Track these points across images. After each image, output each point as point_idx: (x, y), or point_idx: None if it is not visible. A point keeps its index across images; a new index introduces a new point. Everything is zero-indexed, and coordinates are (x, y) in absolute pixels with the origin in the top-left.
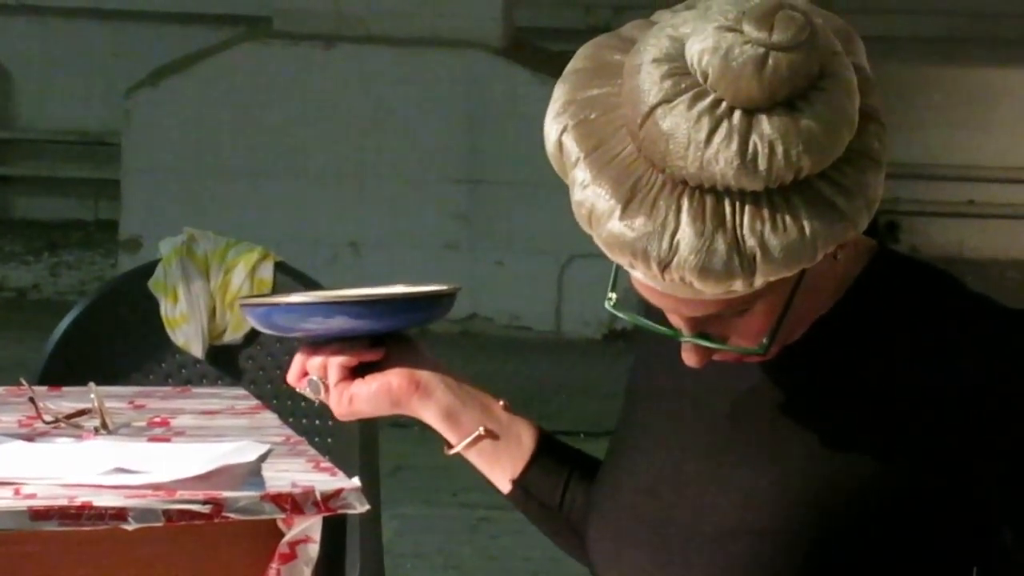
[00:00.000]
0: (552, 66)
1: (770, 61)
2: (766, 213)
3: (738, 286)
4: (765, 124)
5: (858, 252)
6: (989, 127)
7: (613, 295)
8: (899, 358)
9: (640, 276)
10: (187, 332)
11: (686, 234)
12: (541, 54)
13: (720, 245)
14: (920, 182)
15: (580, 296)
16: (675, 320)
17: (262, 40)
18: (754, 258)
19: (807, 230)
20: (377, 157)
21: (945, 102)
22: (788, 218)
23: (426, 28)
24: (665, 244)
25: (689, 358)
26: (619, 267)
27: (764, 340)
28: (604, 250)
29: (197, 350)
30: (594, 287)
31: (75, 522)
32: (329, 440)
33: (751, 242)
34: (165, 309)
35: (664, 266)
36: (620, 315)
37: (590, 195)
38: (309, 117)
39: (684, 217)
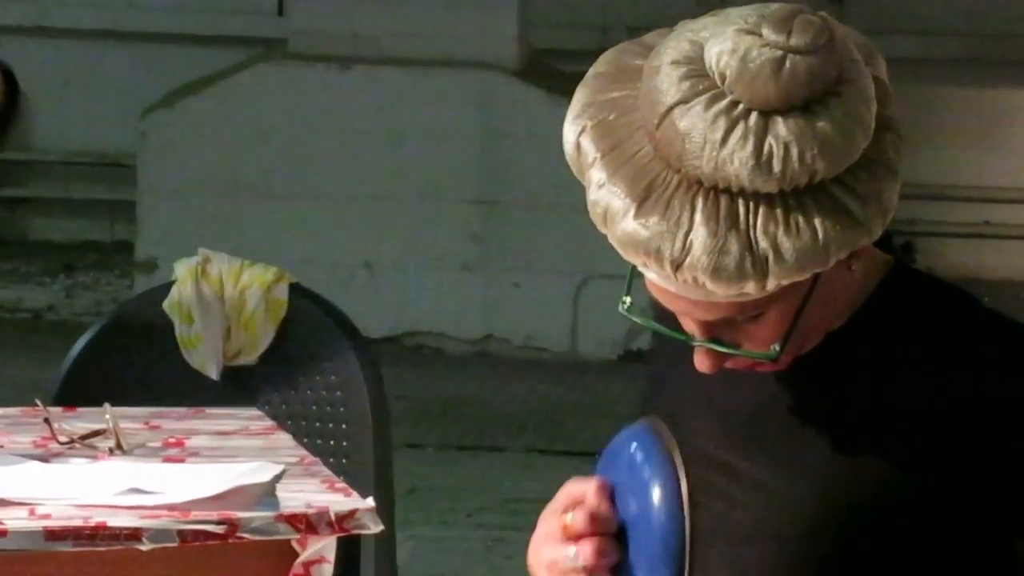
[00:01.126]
0: (568, 87)
1: (787, 64)
2: (780, 215)
3: (750, 288)
4: (781, 126)
5: (875, 266)
6: (1004, 147)
7: (628, 299)
8: (914, 372)
9: (653, 276)
10: (202, 353)
11: (700, 234)
12: (557, 75)
13: (733, 246)
14: (935, 203)
15: (596, 317)
16: (688, 325)
17: (278, 61)
18: (767, 260)
19: (820, 234)
20: (392, 178)
21: (960, 122)
22: (801, 221)
23: (442, 49)
24: (679, 244)
25: (701, 363)
26: (633, 272)
27: (775, 346)
28: (618, 249)
29: (212, 371)
30: (610, 307)
31: (90, 542)
32: (344, 461)
33: (764, 244)
34: (180, 330)
35: (677, 266)
36: (634, 319)
37: (605, 194)
38: (325, 138)
39: (698, 217)
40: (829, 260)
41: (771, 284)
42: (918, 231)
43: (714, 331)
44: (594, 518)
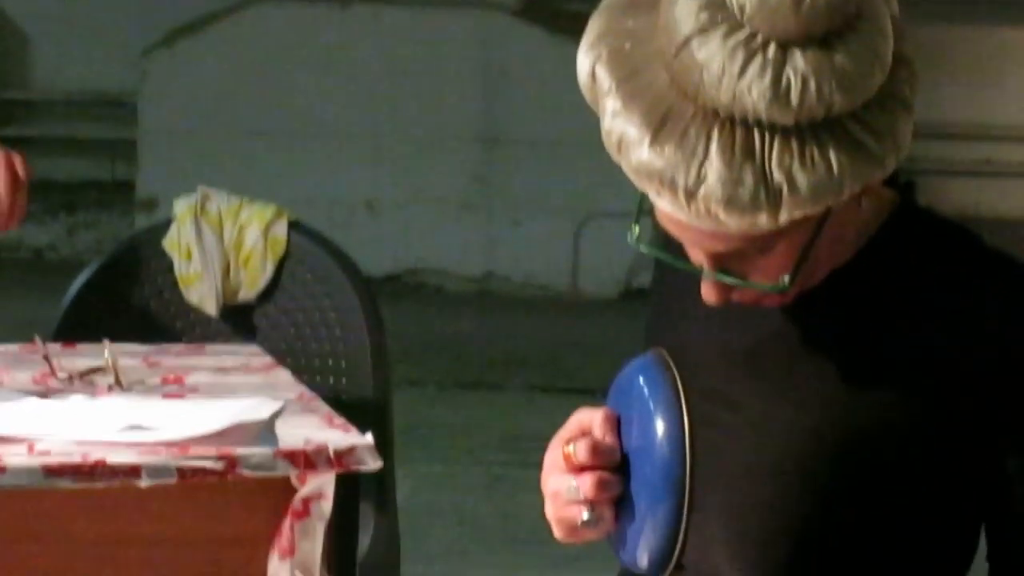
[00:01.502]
0: (569, 26)
1: None
2: (795, 148)
3: (763, 220)
4: (799, 59)
5: (880, 203)
6: (1006, 86)
7: (636, 229)
8: (916, 309)
9: (666, 206)
10: (201, 290)
11: (715, 165)
12: (558, 14)
13: (748, 177)
14: (937, 141)
15: (596, 255)
16: (697, 256)
17: (278, 1)
18: (780, 192)
19: (835, 168)
20: (393, 117)
21: (962, 61)
22: (816, 154)
23: None
24: (693, 174)
25: (709, 295)
26: (642, 203)
27: (785, 279)
28: (632, 178)
29: (211, 308)
30: (611, 246)
31: (88, 479)
32: (343, 397)
33: (778, 176)
34: (179, 267)
35: (691, 195)
36: (642, 249)
37: (620, 123)
38: (325, 77)
39: (714, 148)
40: (843, 194)
41: (784, 217)
42: (920, 169)
43: (723, 263)
44: (596, 450)
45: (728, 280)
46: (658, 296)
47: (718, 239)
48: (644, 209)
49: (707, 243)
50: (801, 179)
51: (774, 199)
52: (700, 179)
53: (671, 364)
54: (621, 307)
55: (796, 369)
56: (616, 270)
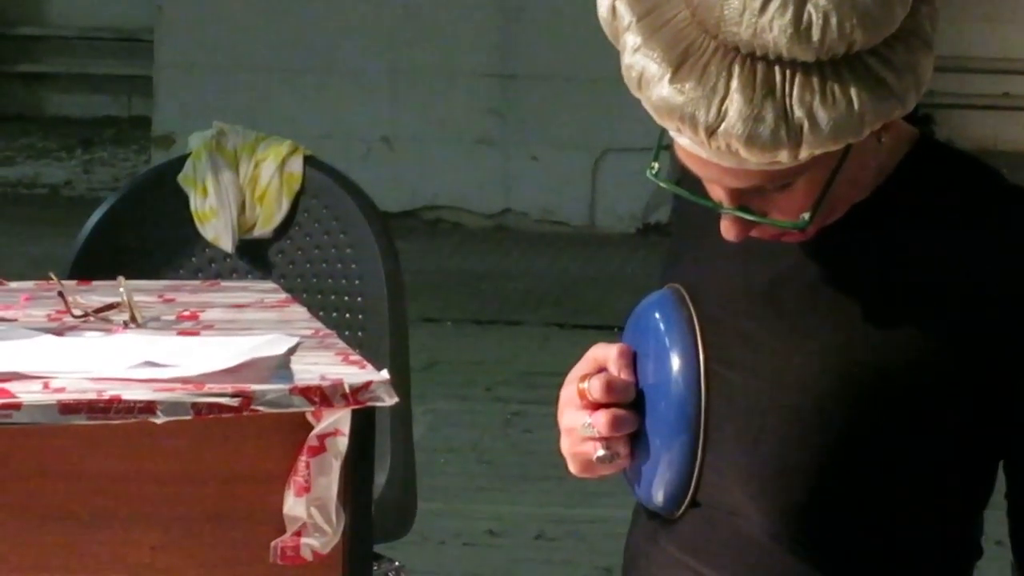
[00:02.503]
0: None
1: None
2: (816, 84)
3: (783, 157)
4: None
5: (900, 139)
6: None
7: (655, 165)
8: (936, 243)
9: (686, 142)
10: (216, 226)
11: (735, 101)
12: None
13: (768, 114)
14: (955, 75)
15: (614, 190)
16: (716, 192)
17: None
18: (801, 129)
19: (855, 104)
20: (410, 52)
21: None
22: (837, 91)
23: None
24: (714, 110)
25: (728, 231)
26: (661, 138)
27: (805, 215)
28: (652, 114)
29: (227, 244)
30: (628, 181)
31: (104, 416)
32: (360, 334)
33: (799, 113)
34: (195, 203)
35: (711, 132)
36: (661, 183)
37: (640, 59)
38: (341, 12)
39: (734, 84)
40: (863, 131)
41: (804, 153)
42: (937, 103)
43: (743, 199)
44: (611, 387)
45: (747, 217)
46: (676, 232)
47: (738, 175)
48: (663, 144)
49: (727, 179)
50: (822, 115)
51: (795, 136)
52: (720, 115)
53: (687, 300)
54: (638, 242)
55: (814, 306)
56: (634, 205)
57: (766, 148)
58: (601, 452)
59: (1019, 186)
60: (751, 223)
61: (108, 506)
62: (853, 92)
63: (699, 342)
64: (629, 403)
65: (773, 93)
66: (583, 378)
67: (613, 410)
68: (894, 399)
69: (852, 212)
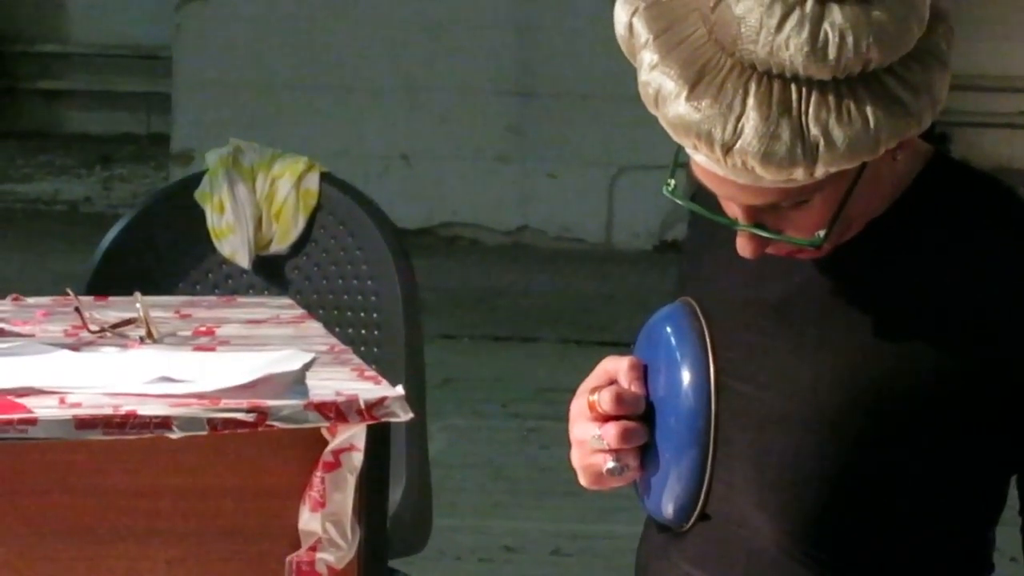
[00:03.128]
0: None
1: None
2: (832, 103)
3: (799, 174)
4: (837, 13)
5: (915, 155)
6: None
7: (672, 181)
8: (949, 260)
9: (702, 159)
10: (233, 242)
11: (751, 119)
12: None
13: (784, 132)
14: (971, 93)
15: (631, 207)
16: (732, 209)
17: None
18: (817, 147)
19: (871, 122)
20: (428, 69)
21: (996, 13)
22: (853, 109)
23: None
24: (730, 127)
25: (744, 248)
26: (678, 155)
27: (820, 233)
28: (669, 131)
29: (243, 260)
30: (645, 198)
31: (120, 431)
32: (376, 350)
33: (815, 131)
34: (211, 220)
35: (727, 149)
36: (678, 200)
37: (657, 76)
38: (360, 29)
39: (751, 101)
40: (879, 149)
41: (820, 171)
42: (953, 121)
43: (758, 216)
44: (621, 399)
45: (763, 234)
46: (691, 246)
47: (754, 193)
48: (680, 162)
49: (743, 197)
50: (838, 134)
51: (810, 153)
52: (737, 133)
53: (699, 314)
54: (655, 260)
55: (826, 321)
56: (650, 223)
57: (782, 166)
58: (611, 464)
59: None
60: (767, 240)
61: (124, 521)
62: (869, 110)
63: (710, 356)
64: (640, 416)
65: (789, 111)
66: (593, 390)
67: (623, 423)
68: (904, 414)
69: (866, 229)
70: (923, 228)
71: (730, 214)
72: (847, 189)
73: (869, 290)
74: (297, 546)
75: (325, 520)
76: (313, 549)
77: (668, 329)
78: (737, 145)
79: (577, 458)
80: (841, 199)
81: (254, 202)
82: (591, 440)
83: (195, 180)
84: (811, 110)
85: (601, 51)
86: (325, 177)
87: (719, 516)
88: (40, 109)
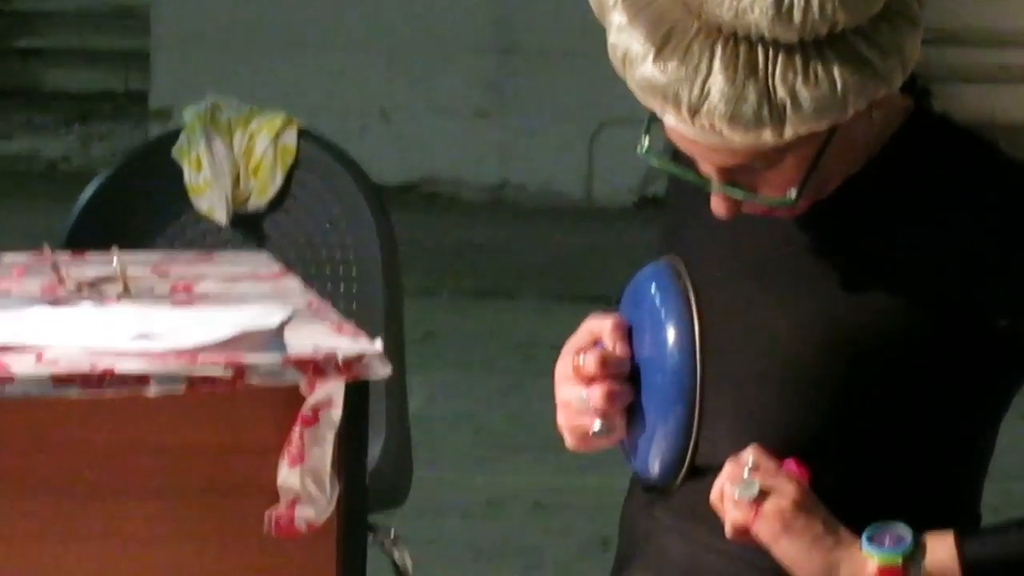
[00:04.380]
0: None
1: None
2: (799, 65)
3: (767, 136)
4: None
5: (896, 111)
6: None
7: (646, 141)
8: (927, 214)
9: (671, 121)
10: (211, 199)
11: (718, 81)
12: None
13: (751, 94)
14: (951, 47)
15: (611, 163)
16: (706, 169)
17: None
18: (784, 109)
19: (839, 84)
20: (407, 25)
21: None
22: (821, 71)
23: None
24: (696, 90)
25: (718, 207)
26: (653, 115)
27: (793, 192)
28: (636, 93)
29: (221, 216)
30: (625, 153)
31: (97, 388)
32: (354, 306)
33: (781, 92)
34: (189, 176)
35: (694, 111)
36: (651, 161)
37: (625, 38)
38: None
39: (717, 64)
40: (847, 110)
41: (788, 132)
42: (935, 75)
43: (731, 176)
44: (606, 361)
45: (736, 194)
46: (671, 204)
47: (724, 153)
48: (654, 121)
49: (714, 157)
50: (805, 96)
51: (778, 116)
52: (703, 95)
53: (683, 273)
54: (635, 215)
55: (804, 276)
56: (631, 178)
57: (749, 127)
58: (597, 426)
59: (1012, 157)
60: (740, 200)
61: (101, 478)
62: (836, 72)
63: (695, 315)
64: (625, 376)
65: (756, 73)
66: (578, 352)
67: (608, 383)
68: (882, 368)
69: (845, 184)
70: (901, 183)
71: (704, 173)
72: (819, 148)
73: (847, 245)
74: (276, 501)
75: (304, 475)
76: (292, 504)
77: (652, 288)
78: (704, 107)
79: (563, 420)
80: (813, 159)
81: (232, 158)
82: (576, 402)
83: (172, 137)
84: (778, 72)
85: (580, 6)
86: (303, 133)
87: (704, 473)
88: (18, 67)
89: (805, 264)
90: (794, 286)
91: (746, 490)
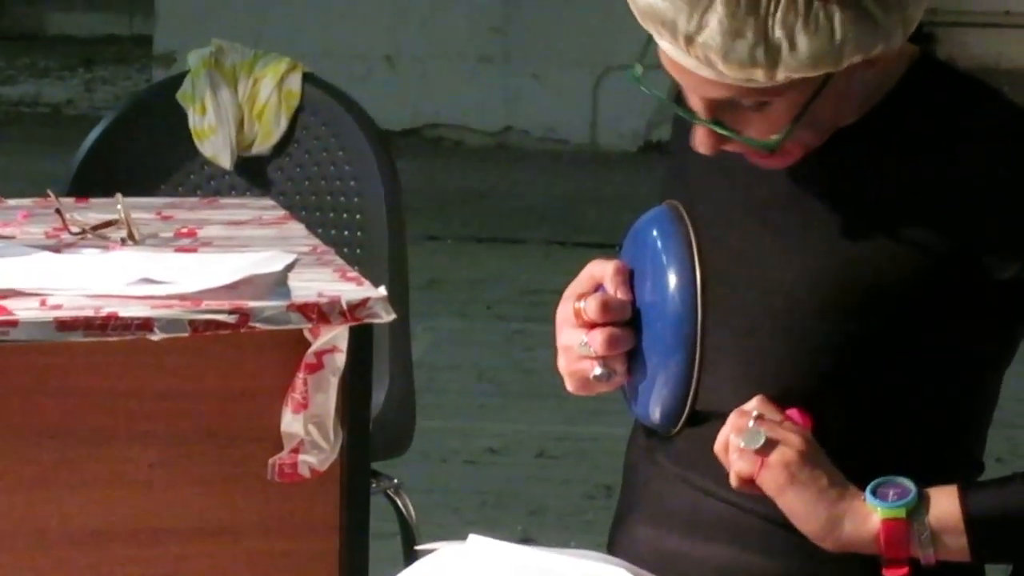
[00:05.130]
0: None
1: None
2: (802, 8)
3: (759, 76)
4: None
5: (899, 58)
6: None
7: (640, 67)
8: (932, 162)
9: (667, 48)
10: (215, 143)
11: (717, 12)
12: None
13: (748, 31)
14: None
15: (616, 108)
16: (694, 102)
17: None
18: (780, 51)
19: (838, 34)
20: None
21: None
22: (822, 18)
23: None
24: (695, 19)
25: (700, 142)
26: (650, 41)
27: (774, 137)
28: (637, 16)
29: (225, 161)
30: (630, 99)
31: (101, 333)
32: (358, 251)
33: (779, 34)
34: (193, 121)
35: (690, 40)
36: (642, 87)
37: None
38: None
39: None
40: (842, 62)
41: (781, 75)
42: (939, 21)
43: (718, 112)
44: (606, 306)
45: (720, 131)
46: (676, 148)
47: (715, 86)
48: (651, 44)
49: (704, 89)
50: (802, 41)
51: (772, 57)
52: (701, 26)
53: (685, 217)
54: (640, 160)
55: (807, 223)
56: (635, 123)
57: (742, 64)
58: (598, 371)
59: (1015, 103)
60: (723, 138)
61: (105, 423)
62: (837, 22)
63: (696, 260)
64: (626, 321)
65: (756, 11)
66: (579, 297)
67: (609, 329)
68: (887, 313)
69: (849, 130)
70: (906, 130)
71: (694, 107)
72: (809, 97)
73: (850, 192)
74: (279, 448)
75: (307, 422)
76: (296, 451)
77: (654, 233)
78: (700, 38)
79: (563, 364)
80: (803, 106)
81: (236, 103)
82: (577, 347)
83: (177, 81)
84: (779, 13)
85: None
86: (308, 78)
87: (706, 420)
88: (22, 11)
89: (808, 211)
90: (797, 233)
91: (752, 440)
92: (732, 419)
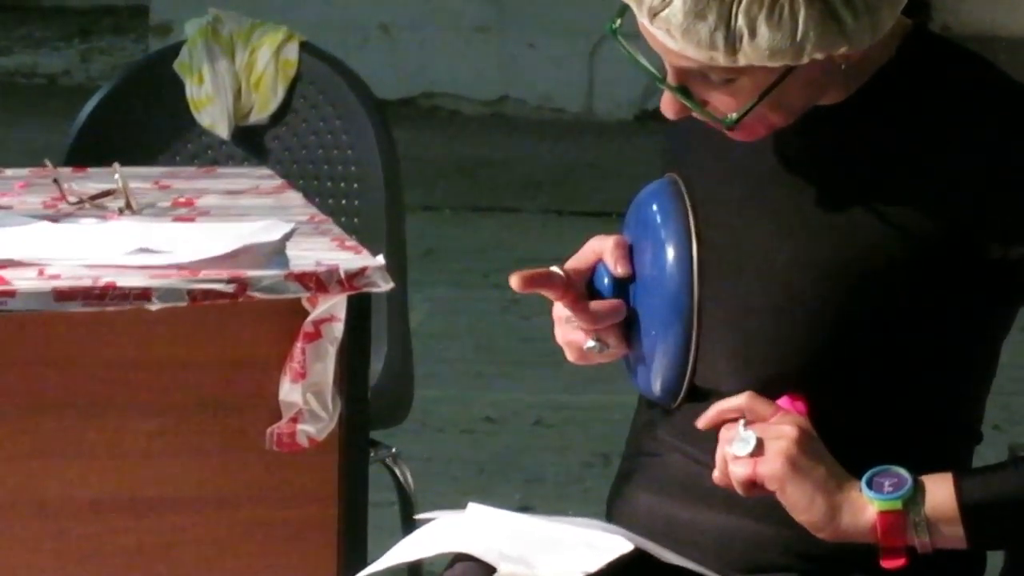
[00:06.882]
0: None
1: None
2: (768, 0)
3: (719, 59)
4: None
5: (893, 31)
6: None
7: (619, 21)
8: (926, 137)
9: (637, 16)
10: (212, 113)
11: None
12: None
13: (711, 14)
14: None
15: (612, 77)
16: (668, 67)
17: None
18: (740, 39)
19: (799, 31)
20: None
21: None
22: (787, 13)
23: None
24: None
25: (665, 107)
26: (627, 9)
27: (732, 115)
28: None
29: (223, 130)
30: (626, 68)
31: (99, 302)
32: (356, 220)
33: (742, 22)
34: (191, 90)
35: (654, 14)
36: (620, 42)
37: None
38: None
39: None
40: (802, 58)
41: (741, 61)
42: None
43: (686, 79)
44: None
45: (682, 99)
46: (674, 124)
47: (680, 56)
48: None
49: (671, 57)
50: (763, 32)
51: (731, 44)
52: (665, 2)
53: (684, 192)
54: (636, 129)
55: (801, 202)
56: (631, 92)
57: (702, 46)
58: (590, 343)
59: (1010, 78)
60: (687, 107)
61: (104, 393)
62: (802, 19)
63: (694, 236)
64: (629, 294)
65: None
66: (576, 272)
67: (592, 305)
68: (882, 291)
69: (840, 108)
70: (900, 105)
71: (668, 68)
72: (774, 81)
73: (844, 170)
74: (278, 417)
75: (306, 391)
76: (294, 420)
77: (654, 207)
78: (663, 13)
79: (560, 335)
80: (764, 90)
81: (233, 72)
82: (567, 319)
83: (174, 51)
84: (744, 2)
85: None
86: (305, 47)
87: (705, 394)
88: None
89: (803, 189)
90: (792, 212)
91: (743, 446)
92: (722, 434)
